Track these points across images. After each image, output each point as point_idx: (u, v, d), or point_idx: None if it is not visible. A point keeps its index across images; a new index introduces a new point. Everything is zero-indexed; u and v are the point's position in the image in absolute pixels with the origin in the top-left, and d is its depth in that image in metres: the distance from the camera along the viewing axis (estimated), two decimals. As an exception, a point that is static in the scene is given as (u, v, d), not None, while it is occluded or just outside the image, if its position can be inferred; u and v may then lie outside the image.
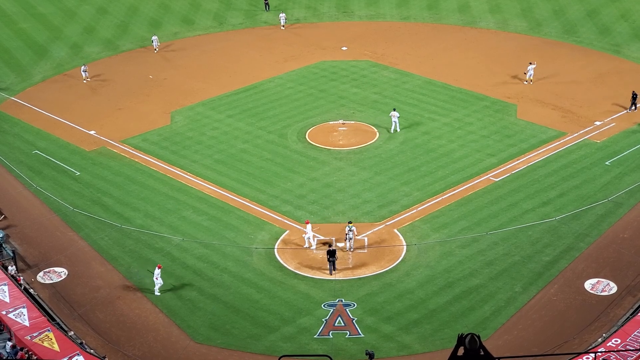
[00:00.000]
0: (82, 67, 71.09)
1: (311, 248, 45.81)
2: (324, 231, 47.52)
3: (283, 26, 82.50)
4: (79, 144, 59.31)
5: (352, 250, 45.66)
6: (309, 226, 46.06)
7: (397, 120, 59.68)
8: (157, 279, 42.33)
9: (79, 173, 55.09)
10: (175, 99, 66.82)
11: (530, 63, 67.42)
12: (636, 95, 60.71)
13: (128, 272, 44.68)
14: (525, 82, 67.42)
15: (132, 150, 58.16)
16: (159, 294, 42.46)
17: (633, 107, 60.70)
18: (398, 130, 59.73)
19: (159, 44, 77.34)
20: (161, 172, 54.99)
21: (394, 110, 60.42)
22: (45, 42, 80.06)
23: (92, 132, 60.86)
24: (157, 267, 42.61)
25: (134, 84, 70.36)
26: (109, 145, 58.95)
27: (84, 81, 70.42)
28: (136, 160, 56.76)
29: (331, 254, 43.32)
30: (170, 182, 53.80)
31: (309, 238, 45.84)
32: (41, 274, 44.67)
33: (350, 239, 45.55)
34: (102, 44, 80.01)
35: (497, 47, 76.52)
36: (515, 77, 68.68)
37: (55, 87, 70.38)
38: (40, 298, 42.02)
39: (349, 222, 45.91)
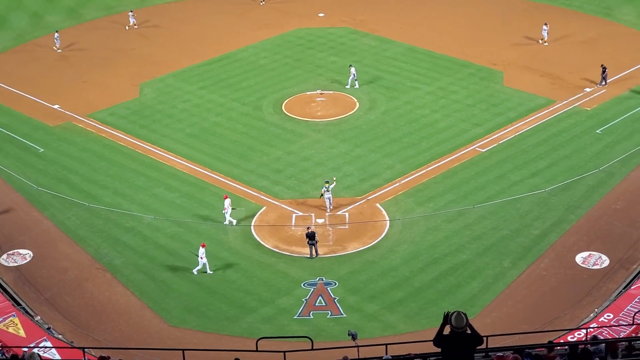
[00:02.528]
0: (55, 35, 70.32)
1: (224, 222, 45.80)
2: (302, 207, 47.48)
3: (263, 1, 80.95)
4: (42, 118, 58.74)
5: (331, 207, 46.35)
6: (227, 201, 45.92)
7: (353, 75, 61.21)
8: (201, 258, 41.98)
9: (42, 150, 54.59)
10: (144, 70, 66.29)
11: (545, 24, 68.22)
12: (605, 68, 60.33)
13: (97, 253, 44.44)
14: (541, 41, 68.15)
15: (99, 124, 57.68)
16: (211, 272, 42.28)
17: (603, 82, 60.36)
18: (356, 86, 61.09)
19: (135, 20, 75.64)
20: (130, 148, 54.62)
21: (351, 66, 61.73)
22: (3, 11, 79.00)
23: (55, 107, 60.27)
24: (200, 246, 42.20)
25: (100, 54, 69.66)
26: (74, 119, 58.44)
27: (58, 50, 69.79)
28: (103, 135, 56.32)
29: (311, 237, 43.11)
30: (140, 157, 53.46)
31: (227, 213, 45.84)
32: (4, 256, 44.32)
33: (329, 197, 45.98)
34: (64, 13, 79.08)
35: (483, 12, 76.28)
36: (515, 40, 68.73)
37: (16, 58, 69.58)
38: (3, 282, 41.72)
39: (326, 182, 46.44)
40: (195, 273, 42.30)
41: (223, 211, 45.99)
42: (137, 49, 70.77)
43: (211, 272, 42.30)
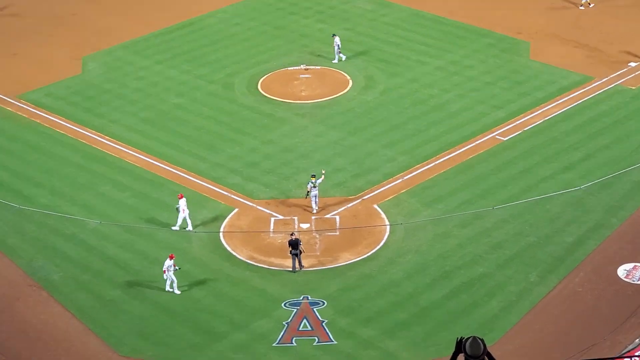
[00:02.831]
0: None
1: (187, 228, 45.98)
2: (283, 209, 47.54)
3: None
4: (-38, 100, 58.87)
5: (317, 208, 46.62)
6: (182, 201, 45.99)
7: (337, 46, 61.81)
8: (165, 272, 41.76)
9: (-38, 139, 54.72)
10: (88, 41, 66.29)
11: None
12: None
13: (30, 266, 44.39)
14: (582, 7, 68.34)
15: (33, 108, 57.68)
16: (177, 291, 42.12)
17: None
18: (343, 58, 61.62)
19: None
20: (71, 136, 54.63)
21: (334, 35, 62.31)
22: None
23: (-22, 86, 60.38)
24: (168, 258, 41.94)
25: (33, 20, 69.61)
26: (2, 102, 58.42)
27: None
28: (38, 120, 56.31)
29: (294, 245, 43.09)
30: (83, 148, 53.48)
31: (184, 217, 45.88)
32: None
33: (315, 195, 46.23)
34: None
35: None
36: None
37: None
38: None
39: (312, 175, 46.60)
40: (172, 290, 42.32)
41: (182, 214, 45.86)
42: (79, 15, 70.66)
43: (178, 292, 42.22)
